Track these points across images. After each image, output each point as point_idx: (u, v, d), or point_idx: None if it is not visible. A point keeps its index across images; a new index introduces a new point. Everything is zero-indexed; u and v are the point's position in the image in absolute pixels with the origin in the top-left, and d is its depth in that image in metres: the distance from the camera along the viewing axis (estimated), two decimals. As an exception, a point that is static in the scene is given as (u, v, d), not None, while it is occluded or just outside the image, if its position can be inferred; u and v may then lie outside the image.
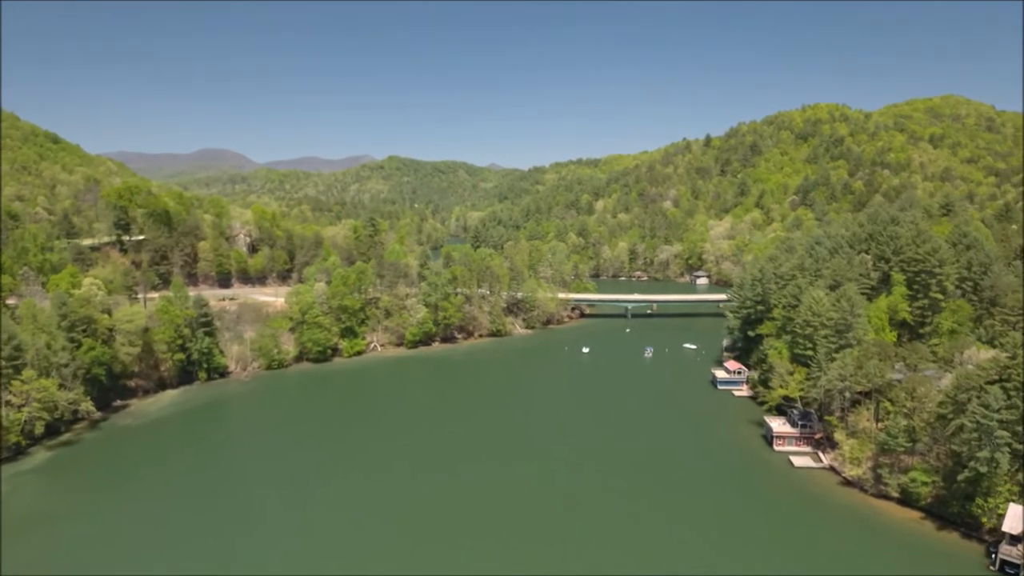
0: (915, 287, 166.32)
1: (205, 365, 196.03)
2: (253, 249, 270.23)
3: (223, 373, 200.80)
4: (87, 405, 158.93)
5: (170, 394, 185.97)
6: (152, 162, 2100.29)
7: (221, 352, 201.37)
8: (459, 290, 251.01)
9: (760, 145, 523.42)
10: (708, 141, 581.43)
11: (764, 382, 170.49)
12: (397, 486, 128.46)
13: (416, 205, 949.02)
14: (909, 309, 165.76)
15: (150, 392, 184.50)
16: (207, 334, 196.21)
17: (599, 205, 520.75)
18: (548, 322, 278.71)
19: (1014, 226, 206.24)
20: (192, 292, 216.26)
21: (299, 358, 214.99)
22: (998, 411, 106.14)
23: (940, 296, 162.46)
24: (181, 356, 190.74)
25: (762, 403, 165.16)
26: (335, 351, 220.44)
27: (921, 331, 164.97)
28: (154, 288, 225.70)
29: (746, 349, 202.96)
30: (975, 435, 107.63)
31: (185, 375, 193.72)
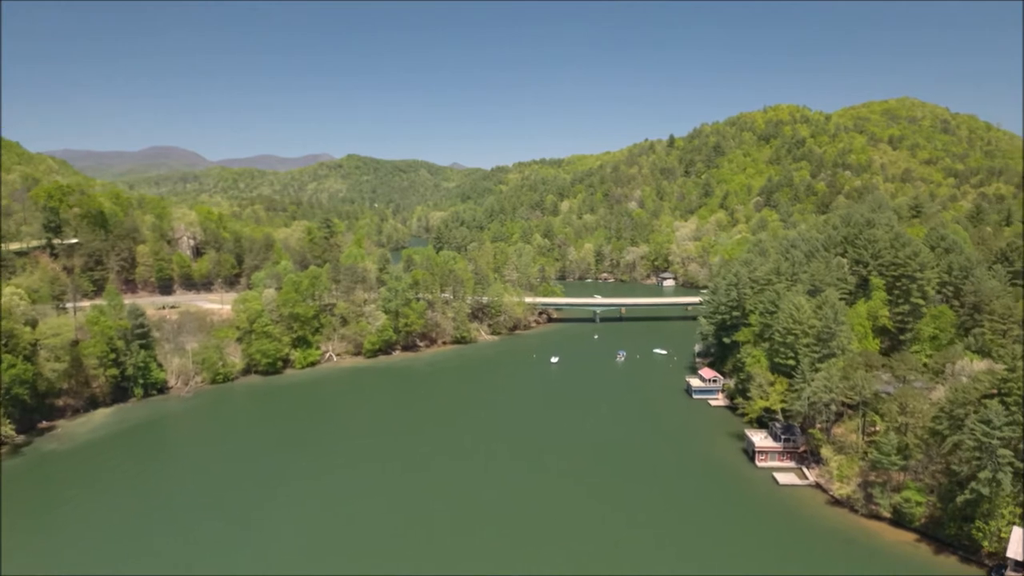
0: (895, 292, 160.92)
1: (141, 380, 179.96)
2: (198, 252, 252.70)
3: (162, 389, 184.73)
4: (7, 428, 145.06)
5: (102, 413, 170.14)
6: (99, 160, 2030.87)
7: (159, 366, 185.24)
8: (421, 295, 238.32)
9: (723, 146, 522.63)
10: (672, 142, 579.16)
11: (743, 392, 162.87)
12: (352, 510, 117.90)
13: (376, 205, 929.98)
14: (889, 315, 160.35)
15: (80, 411, 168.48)
16: (143, 346, 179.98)
17: (564, 206, 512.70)
18: (515, 327, 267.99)
19: (988, 228, 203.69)
20: (130, 300, 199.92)
21: (247, 371, 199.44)
22: (999, 428, 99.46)
23: (921, 301, 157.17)
24: (114, 371, 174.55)
25: (742, 414, 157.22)
26: (286, 362, 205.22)
27: (902, 338, 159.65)
28: (87, 296, 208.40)
29: (721, 356, 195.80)
30: (975, 454, 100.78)
31: (119, 392, 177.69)
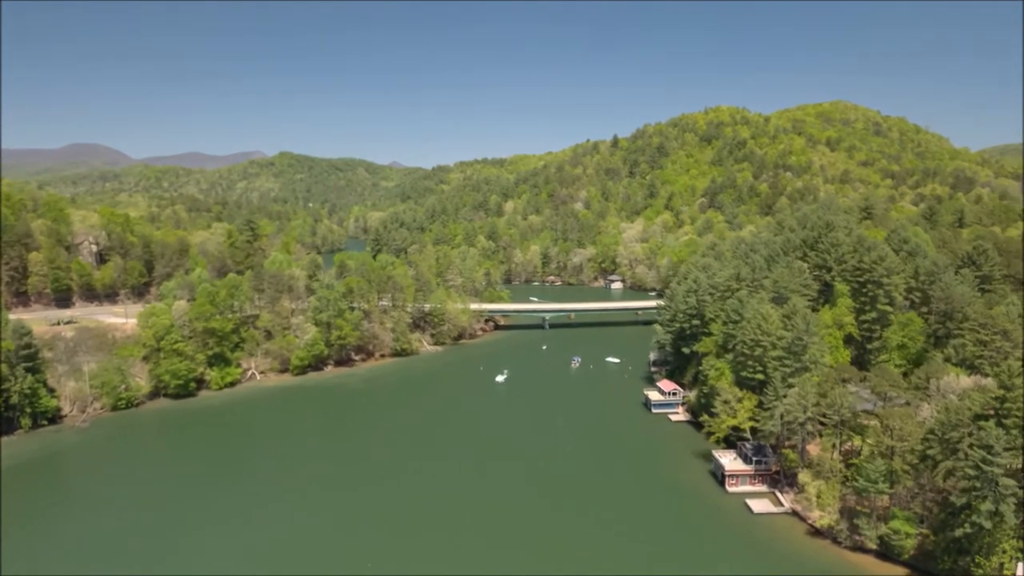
0: (861, 299, 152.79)
1: (29, 409, 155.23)
2: (102, 259, 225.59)
3: (54, 418, 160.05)
4: None
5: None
6: (14, 158, 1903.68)
7: (51, 391, 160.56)
8: (356, 304, 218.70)
9: (666, 147, 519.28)
10: (616, 142, 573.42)
11: (707, 407, 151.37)
12: (278, 557, 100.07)
13: (311, 205, 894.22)
14: (855, 323, 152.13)
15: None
16: (30, 370, 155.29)
17: (508, 206, 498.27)
18: (459, 337, 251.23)
19: (945, 229, 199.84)
20: (22, 314, 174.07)
21: (155, 394, 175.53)
22: (999, 455, 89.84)
23: (889, 308, 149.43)
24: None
25: (709, 434, 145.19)
26: (201, 383, 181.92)
27: (869, 347, 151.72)
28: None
29: (679, 366, 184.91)
30: (974, 483, 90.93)
31: (3, 423, 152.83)
